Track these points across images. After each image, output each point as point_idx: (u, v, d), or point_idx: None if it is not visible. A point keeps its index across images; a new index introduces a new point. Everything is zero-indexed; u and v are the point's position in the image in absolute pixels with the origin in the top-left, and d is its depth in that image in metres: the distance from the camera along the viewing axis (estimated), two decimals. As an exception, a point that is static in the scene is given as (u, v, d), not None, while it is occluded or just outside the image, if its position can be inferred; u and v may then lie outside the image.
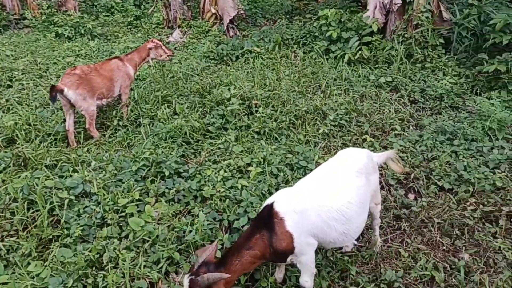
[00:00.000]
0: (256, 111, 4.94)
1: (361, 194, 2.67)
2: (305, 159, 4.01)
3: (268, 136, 4.63)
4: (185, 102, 5.31)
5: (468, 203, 3.63)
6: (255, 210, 3.34)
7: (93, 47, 8.22)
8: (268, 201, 2.59)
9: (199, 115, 4.97)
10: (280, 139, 4.55)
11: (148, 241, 3.22)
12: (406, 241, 3.33)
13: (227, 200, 3.57)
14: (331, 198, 2.58)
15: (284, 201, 2.51)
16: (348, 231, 2.62)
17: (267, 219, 2.47)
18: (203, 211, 3.49)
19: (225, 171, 3.91)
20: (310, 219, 2.50)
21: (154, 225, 3.36)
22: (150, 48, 5.38)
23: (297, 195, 2.59)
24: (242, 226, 3.26)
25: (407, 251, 3.19)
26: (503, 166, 4.04)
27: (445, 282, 2.92)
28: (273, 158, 4.02)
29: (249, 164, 4.03)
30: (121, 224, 3.41)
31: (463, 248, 3.21)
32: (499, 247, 3.16)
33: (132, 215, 3.43)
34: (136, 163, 3.98)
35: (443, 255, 3.17)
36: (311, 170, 3.96)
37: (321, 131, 4.63)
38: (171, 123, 4.79)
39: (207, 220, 3.35)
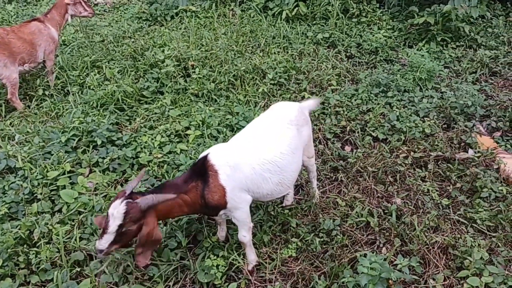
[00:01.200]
0: (193, 72, 4.77)
1: (293, 145, 2.71)
2: (245, 119, 3.96)
3: (206, 98, 4.52)
4: (116, 67, 5.01)
5: (400, 151, 3.80)
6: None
7: (11, 11, 7.45)
8: (203, 154, 2.54)
9: (131, 79, 4.72)
10: (219, 100, 4.46)
11: (83, 212, 3.08)
12: (343, 191, 3.45)
13: (166, 165, 3.48)
14: (264, 150, 2.58)
15: (218, 155, 2.47)
16: (283, 180, 2.67)
17: (202, 171, 2.41)
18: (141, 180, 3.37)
19: (162, 137, 3.78)
20: (244, 173, 2.49)
21: (89, 196, 3.21)
22: (68, 4, 4.91)
23: (231, 149, 2.56)
24: None
25: (344, 200, 3.31)
26: (431, 114, 4.25)
27: (379, 226, 3.07)
28: (212, 120, 3.94)
29: (187, 128, 3.92)
30: (52, 198, 3.23)
31: (396, 193, 3.38)
32: (428, 189, 3.36)
33: (64, 187, 3.25)
34: (65, 133, 3.75)
35: (377, 202, 3.33)
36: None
37: (260, 90, 4.58)
38: (102, 89, 4.52)
39: (145, 187, 3.25)
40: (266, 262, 2.83)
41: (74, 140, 3.69)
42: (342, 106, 4.37)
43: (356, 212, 3.16)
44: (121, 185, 3.40)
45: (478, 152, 3.74)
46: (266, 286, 2.68)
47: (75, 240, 2.85)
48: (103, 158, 3.55)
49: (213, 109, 4.12)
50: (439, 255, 2.83)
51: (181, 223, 2.96)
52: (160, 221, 2.75)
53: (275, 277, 2.74)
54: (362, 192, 3.42)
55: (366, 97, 4.51)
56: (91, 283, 2.56)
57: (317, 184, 3.50)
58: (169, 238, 2.91)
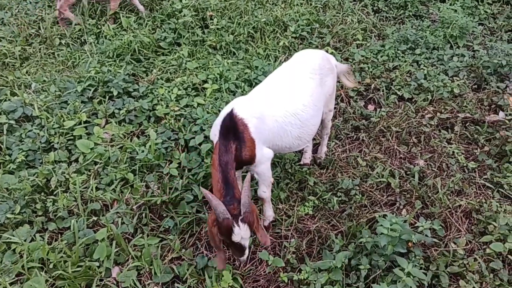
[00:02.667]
0: (211, 23, 4.57)
1: (315, 96, 2.58)
2: (264, 73, 3.81)
3: (224, 50, 4.35)
4: (133, 16, 4.84)
5: (426, 111, 3.63)
6: (210, 127, 3.19)
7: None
8: (225, 110, 2.37)
9: (148, 29, 4.56)
10: (238, 54, 4.28)
11: (99, 163, 3.07)
12: (364, 150, 3.33)
13: (182, 119, 3.40)
14: (286, 102, 2.46)
15: (243, 107, 2.32)
16: (302, 134, 2.57)
17: (232, 128, 2.26)
18: (156, 131, 3.32)
19: (179, 89, 3.68)
20: (268, 126, 2.38)
21: (105, 147, 3.18)
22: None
23: (253, 101, 2.43)
24: (199, 144, 3.14)
25: (365, 160, 3.20)
26: (461, 74, 4.01)
27: (400, 187, 2.97)
28: (230, 74, 3.80)
29: (204, 81, 3.80)
30: (69, 148, 3.22)
31: (419, 154, 3.25)
32: (453, 152, 3.21)
33: (80, 137, 3.22)
34: (82, 83, 3.68)
35: (399, 163, 3.21)
36: (270, 84, 3.80)
37: (281, 44, 4.37)
38: (119, 39, 4.38)
39: (162, 140, 3.19)
40: (282, 219, 2.79)
41: (90, 90, 3.62)
42: (367, 63, 4.16)
43: (377, 172, 3.06)
44: (137, 137, 3.36)
45: (510, 114, 3.53)
46: (282, 242, 2.65)
47: (92, 190, 2.85)
48: (119, 109, 3.49)
49: (231, 62, 3.96)
50: (461, 219, 2.74)
51: (198, 177, 2.92)
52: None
53: (291, 233, 2.71)
54: (383, 152, 3.30)
55: (392, 53, 4.27)
56: (107, 232, 2.57)
57: (337, 143, 3.40)
58: (185, 191, 2.88)
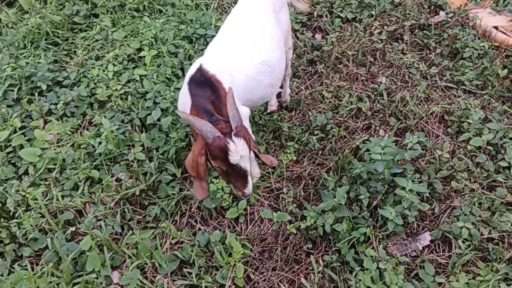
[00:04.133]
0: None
1: (277, 36, 2.39)
2: (201, 26, 3.51)
3: (150, 11, 3.93)
4: (32, -6, 4.18)
5: (373, 28, 3.58)
6: (165, 98, 2.93)
7: None
8: (190, 73, 2.10)
9: (55, 6, 3.98)
10: (166, 10, 3.89)
11: (54, 169, 2.73)
12: (325, 82, 3.25)
13: (129, 96, 3.08)
14: (251, 51, 2.25)
15: (212, 63, 2.08)
16: (274, 81, 2.40)
17: (206, 83, 2.02)
18: (105, 117, 2.99)
19: (114, 65, 3.29)
20: (240, 81, 2.17)
21: (54, 149, 2.82)
22: None
23: (218, 57, 2.17)
24: (158, 119, 2.87)
25: (329, 92, 3.14)
26: (395, -19, 3.96)
27: (371, 109, 2.96)
28: (165, 35, 3.45)
29: (139, 49, 3.43)
30: (12, 161, 2.81)
31: (379, 72, 3.23)
32: (411, 62, 3.23)
33: (21, 147, 2.82)
34: (0, 85, 3.17)
35: (363, 85, 3.18)
36: (212, 37, 3.52)
37: (207, -12, 4.02)
38: (24, 25, 3.79)
39: (115, 125, 2.88)
40: (269, 173, 2.70)
41: (13, 90, 3.14)
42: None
43: (346, 101, 3.01)
44: (87, 129, 3.01)
45: (451, 12, 3.58)
46: (278, 196, 2.57)
47: (57, 199, 2.54)
48: (55, 104, 3.07)
49: (162, 21, 3.59)
50: (436, 124, 2.81)
51: (169, 155, 2.70)
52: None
53: (285, 184, 2.63)
54: (345, 79, 3.25)
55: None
56: (92, 239, 2.33)
57: (297, 82, 3.28)
58: (161, 173, 2.67)
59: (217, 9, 3.91)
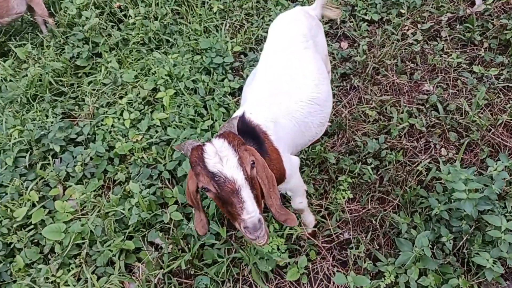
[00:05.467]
0: (128, 16, 3.75)
1: (319, 66, 2.05)
2: (217, 53, 3.17)
3: (156, 42, 3.59)
4: (27, 42, 3.87)
5: (406, 28, 3.21)
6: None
7: None
8: (231, 120, 1.69)
9: (54, 51, 3.67)
10: (175, 40, 3.55)
11: (83, 244, 2.42)
12: (365, 98, 2.90)
13: (153, 146, 2.76)
14: (296, 91, 1.91)
15: (254, 112, 1.77)
16: (324, 118, 2.07)
17: (249, 134, 1.70)
18: (129, 175, 2.67)
19: (129, 112, 2.97)
20: (286, 127, 1.84)
21: (80, 220, 2.51)
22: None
23: (260, 104, 1.84)
24: None
25: (373, 109, 2.79)
26: (419, -29, 3.58)
27: (426, 125, 2.61)
28: (180, 70, 3.12)
29: (154, 90, 3.11)
30: (35, 241, 2.51)
31: (424, 79, 2.88)
32: (457, 62, 2.86)
33: (43, 223, 2.52)
34: (8, 152, 2.87)
35: (409, 97, 2.83)
36: (231, 63, 3.20)
37: (215, 9, 3.68)
38: (23, 76, 3.49)
39: (143, 184, 2.57)
40: (325, 218, 2.36)
41: (24, 157, 2.84)
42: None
43: (396, 119, 2.65)
44: (109, 188, 2.70)
45: (489, -2, 3.20)
46: (344, 248, 2.24)
47: (92, 283, 2.24)
48: (73, 165, 2.76)
49: (174, 55, 3.24)
50: (506, 135, 2.45)
51: (210, 209, 2.38)
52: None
53: (344, 230, 2.29)
54: (386, 92, 2.89)
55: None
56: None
57: (333, 101, 2.93)
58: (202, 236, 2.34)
59: (229, 30, 3.57)
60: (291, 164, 1.88)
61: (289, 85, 1.91)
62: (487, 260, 1.85)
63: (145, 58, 3.36)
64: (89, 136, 2.95)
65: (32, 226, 2.53)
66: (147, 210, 2.44)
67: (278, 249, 2.18)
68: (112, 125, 2.94)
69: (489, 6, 3.14)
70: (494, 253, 1.87)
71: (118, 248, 2.33)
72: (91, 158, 2.77)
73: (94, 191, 2.67)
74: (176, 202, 2.52)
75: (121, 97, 3.15)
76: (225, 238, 2.32)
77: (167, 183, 2.65)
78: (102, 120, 3.01)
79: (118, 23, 3.80)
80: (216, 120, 2.81)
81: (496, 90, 2.68)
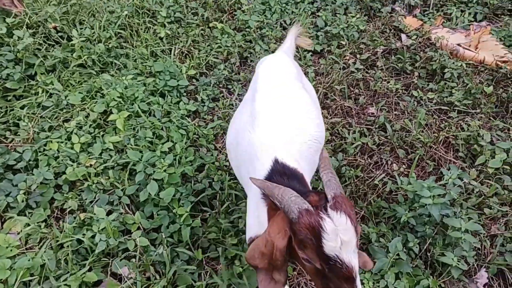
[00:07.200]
0: (63, 38, 3.54)
1: (310, 106, 1.97)
2: (171, 75, 3.13)
3: (100, 65, 3.42)
4: None
5: (347, 58, 3.52)
6: (158, 167, 2.49)
7: None
8: (266, 163, 1.59)
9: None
10: (123, 63, 3.42)
11: (32, 280, 2.13)
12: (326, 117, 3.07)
13: (110, 170, 2.58)
14: (302, 130, 1.80)
15: (285, 155, 1.61)
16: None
17: (292, 179, 1.53)
18: (81, 203, 2.46)
19: (78, 135, 2.76)
20: (305, 169, 1.71)
21: (26, 254, 2.22)
22: None
23: (279, 142, 1.67)
24: (157, 194, 2.40)
25: (328, 130, 2.96)
26: (351, 9, 3.98)
27: (377, 144, 2.84)
28: (133, 91, 3.00)
29: (106, 112, 2.94)
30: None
31: (369, 103, 3.15)
32: (395, 89, 3.20)
33: (-20, 262, 2.17)
34: None
35: (358, 118, 3.06)
36: (185, 86, 3.18)
37: (162, 34, 3.65)
38: None
39: (102, 207, 2.37)
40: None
41: (-48, 190, 2.45)
42: (263, 27, 3.79)
43: (351, 138, 2.85)
44: (57, 219, 2.44)
45: (413, 34, 3.67)
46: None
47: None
48: (14, 197, 2.45)
49: (128, 77, 3.11)
50: (444, 150, 2.77)
51: (181, 237, 2.27)
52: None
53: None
54: (335, 115, 3.10)
55: (279, 9, 3.98)
56: None
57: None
58: (172, 262, 2.22)
59: (180, 53, 3.56)
60: None
61: (297, 126, 1.79)
62: (452, 259, 2.03)
63: (92, 80, 3.18)
64: (30, 163, 2.66)
65: (-35, 267, 2.16)
66: (116, 237, 2.25)
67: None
68: (58, 150, 2.70)
69: (413, 41, 3.59)
70: (457, 252, 2.07)
71: (78, 282, 2.10)
72: (36, 187, 2.49)
73: (38, 221, 2.39)
74: (139, 228, 2.37)
75: (65, 121, 2.92)
76: (198, 262, 2.23)
77: (127, 209, 2.48)
78: (45, 145, 2.75)
79: (54, 44, 3.55)
80: (175, 143, 2.75)
81: (430, 112, 3.04)
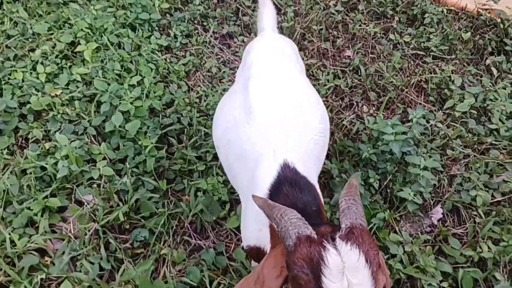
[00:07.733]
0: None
1: (311, 93, 1.73)
2: (143, 8, 3.01)
3: (70, -5, 3.27)
4: None
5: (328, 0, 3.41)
6: (123, 99, 2.45)
7: None
8: (275, 165, 1.33)
9: None
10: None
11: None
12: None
13: (76, 101, 2.54)
14: (307, 123, 1.56)
15: (294, 159, 1.36)
16: (327, 146, 1.77)
17: (302, 188, 1.29)
18: (46, 133, 2.43)
19: (44, 66, 2.68)
20: (313, 172, 1.54)
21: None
22: None
23: (283, 139, 1.42)
24: (124, 126, 2.37)
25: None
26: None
27: (349, 86, 2.82)
28: (102, 23, 2.89)
29: (73, 43, 2.84)
30: None
31: (346, 46, 3.10)
32: (374, 32, 3.14)
33: None
34: None
35: (334, 61, 3.02)
36: (158, 20, 3.07)
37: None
38: None
39: (65, 135, 2.34)
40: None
41: None
42: None
43: (323, 79, 2.82)
44: (21, 148, 2.42)
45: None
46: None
47: (12, 242, 1.99)
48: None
49: (96, 7, 2.98)
50: (416, 94, 2.77)
51: (146, 168, 2.27)
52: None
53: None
54: (311, 57, 3.05)
55: None
56: (73, 286, 1.87)
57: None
58: (136, 191, 2.23)
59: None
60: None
61: (301, 120, 1.55)
62: (409, 193, 2.08)
63: (60, 10, 3.04)
64: None
65: None
66: (79, 164, 2.24)
67: (220, 199, 2.18)
68: (23, 80, 2.63)
69: (396, -15, 3.48)
70: (414, 187, 2.12)
71: (41, 207, 2.11)
72: (0, 114, 2.44)
73: (4, 148, 2.37)
74: (104, 158, 2.36)
75: (31, 50, 2.82)
76: (163, 192, 2.25)
77: (93, 139, 2.46)
78: (10, 74, 2.67)
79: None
80: (144, 77, 2.69)
81: (406, 57, 3.00)
